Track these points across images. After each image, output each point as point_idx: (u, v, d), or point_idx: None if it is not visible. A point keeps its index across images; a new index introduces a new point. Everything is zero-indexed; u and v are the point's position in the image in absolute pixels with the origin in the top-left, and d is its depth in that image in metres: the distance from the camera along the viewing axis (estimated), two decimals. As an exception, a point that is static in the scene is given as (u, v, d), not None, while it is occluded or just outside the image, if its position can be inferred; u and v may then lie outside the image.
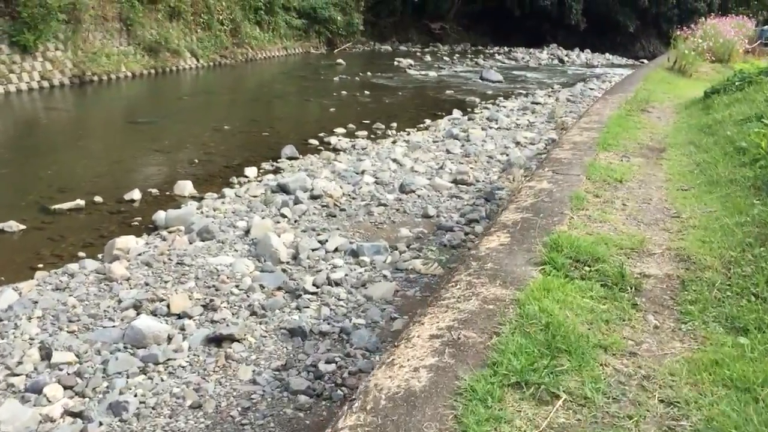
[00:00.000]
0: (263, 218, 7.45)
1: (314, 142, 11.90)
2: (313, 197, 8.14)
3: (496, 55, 33.06)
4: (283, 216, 7.53)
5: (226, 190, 8.63)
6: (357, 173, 9.52)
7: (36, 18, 14.70)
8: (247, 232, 6.91)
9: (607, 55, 37.59)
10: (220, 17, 22.04)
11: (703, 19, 22.70)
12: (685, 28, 20.57)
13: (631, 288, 3.70)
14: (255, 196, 8.48)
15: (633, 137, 8.06)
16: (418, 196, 8.39)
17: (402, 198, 8.28)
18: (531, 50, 35.57)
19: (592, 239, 4.41)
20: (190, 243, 6.66)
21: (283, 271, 5.95)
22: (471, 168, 9.96)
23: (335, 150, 11.39)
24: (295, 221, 7.44)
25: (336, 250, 6.43)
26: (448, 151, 11.00)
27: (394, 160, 10.16)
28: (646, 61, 36.82)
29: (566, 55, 34.88)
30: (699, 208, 5.32)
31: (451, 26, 37.53)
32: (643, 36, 43.59)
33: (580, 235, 4.49)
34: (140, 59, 18.40)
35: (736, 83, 9.66)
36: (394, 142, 12.03)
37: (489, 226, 5.11)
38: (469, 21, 38.94)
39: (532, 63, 30.95)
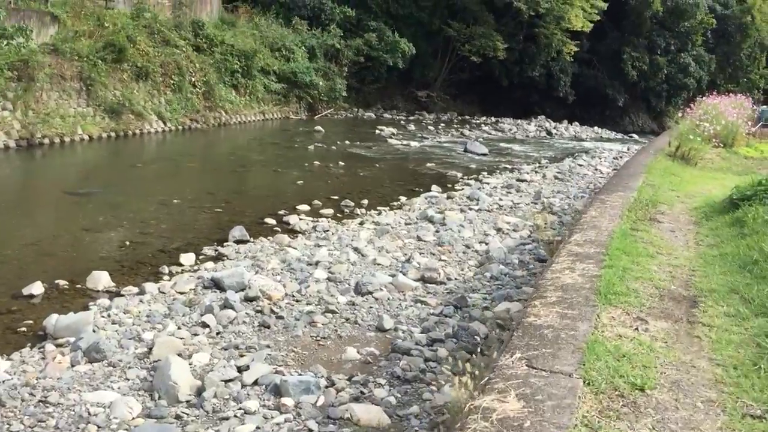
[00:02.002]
0: (179, 328, 6.03)
1: (271, 221, 10.54)
2: (248, 299, 6.72)
3: (483, 125, 32.23)
4: (205, 325, 6.09)
5: (149, 285, 7.18)
6: (310, 264, 8.14)
7: (-21, 75, 13.49)
8: (151, 349, 5.46)
9: (595, 128, 36.89)
10: (193, 79, 21.00)
11: (700, 97, 21.89)
12: (686, 108, 19.60)
13: None
14: (182, 293, 7.06)
15: (646, 274, 5.47)
16: (376, 299, 6.97)
17: (356, 302, 6.86)
18: (519, 121, 34.83)
19: None
20: (72, 366, 5.20)
21: (177, 417, 4.48)
22: (443, 261, 8.60)
23: (293, 232, 10.03)
24: (218, 333, 6.00)
25: (255, 383, 4.97)
26: (419, 238, 9.64)
27: (356, 250, 8.79)
28: (635, 135, 36.21)
29: (554, 128, 34.12)
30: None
31: (438, 94, 36.79)
32: (632, 110, 43.21)
33: None
34: (99, 121, 17.15)
35: None
36: (361, 224, 10.70)
37: None
38: (457, 90, 38.28)
39: (519, 135, 30.09)
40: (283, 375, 5.06)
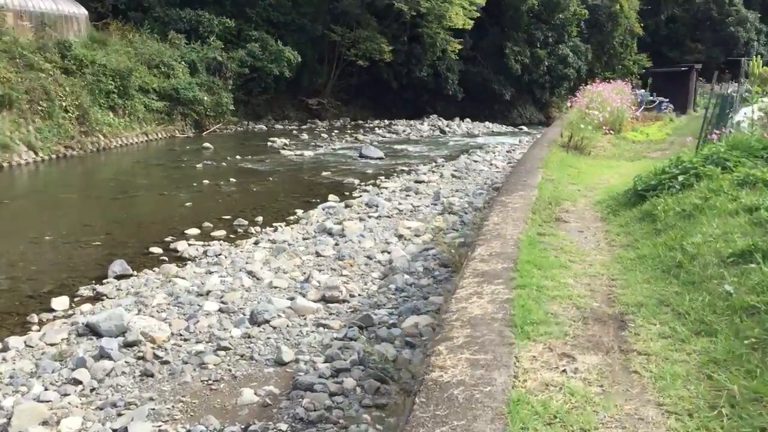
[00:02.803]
0: (46, 389, 5.23)
1: (157, 250, 9.71)
2: (128, 345, 5.97)
3: (377, 128, 32.00)
4: (77, 382, 5.31)
5: (13, 339, 6.30)
6: (200, 295, 7.45)
7: None
8: (10, 420, 4.66)
9: (486, 123, 37.49)
10: (64, 104, 19.52)
11: (582, 85, 22.44)
12: (572, 97, 19.96)
13: None
14: (52, 345, 6.22)
15: (564, 290, 4.78)
16: (273, 328, 6.39)
17: (252, 334, 6.25)
18: (412, 122, 34.85)
19: None
20: None
21: (38, 506, 3.75)
22: (345, 276, 8.11)
23: (181, 260, 9.26)
24: (93, 390, 5.25)
25: (135, 448, 4.29)
26: (317, 254, 9.11)
27: (250, 273, 8.15)
28: (524, 127, 37.08)
29: (447, 126, 34.38)
30: None
31: (329, 101, 36.30)
32: (518, 103, 44.26)
33: None
34: (-42, 157, 15.57)
35: (678, 177, 7.08)
36: (256, 243, 10.06)
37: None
38: (347, 95, 37.94)
39: (413, 135, 30.07)
40: (169, 434, 4.41)
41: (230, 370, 5.51)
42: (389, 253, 9.10)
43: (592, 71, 44.42)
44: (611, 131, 16.76)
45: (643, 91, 26.54)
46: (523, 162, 12.87)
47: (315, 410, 4.68)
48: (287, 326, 6.42)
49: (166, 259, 9.29)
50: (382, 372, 5.16)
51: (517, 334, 3.93)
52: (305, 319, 6.67)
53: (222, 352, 5.82)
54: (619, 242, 6.34)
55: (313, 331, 6.34)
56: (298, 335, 6.24)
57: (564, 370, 3.48)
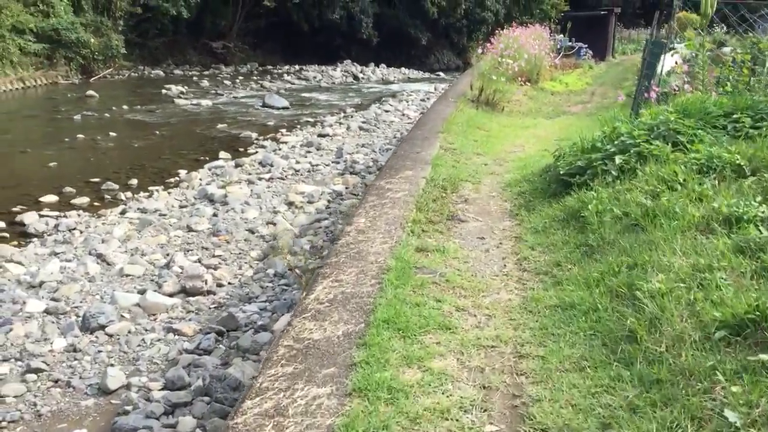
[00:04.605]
0: None
1: (-1, 224, 8.06)
2: None
3: (286, 74, 30.06)
4: None
5: None
6: (33, 287, 5.98)
7: None
8: None
9: (402, 69, 36.10)
10: None
11: (499, 30, 21.22)
12: (486, 43, 18.58)
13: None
14: None
15: (436, 395, 2.77)
16: (109, 336, 5.03)
17: (79, 346, 4.87)
18: (324, 68, 33.01)
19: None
20: None
21: None
22: (217, 258, 6.77)
23: (26, 236, 7.67)
24: None
25: None
26: (189, 228, 7.70)
27: (99, 257, 6.69)
28: (441, 73, 35.88)
29: (361, 72, 32.81)
30: None
31: (236, 44, 33.90)
32: (436, 48, 42.90)
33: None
34: None
35: (615, 158, 5.15)
36: (122, 213, 8.53)
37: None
38: (256, 38, 35.59)
39: (324, 82, 28.38)
40: None
41: (35, 405, 4.16)
42: (275, 225, 7.80)
43: (510, 15, 43.35)
44: (528, 82, 15.56)
45: (561, 36, 25.65)
46: (422, 123, 10.86)
47: (130, 474, 3.43)
48: (128, 333, 5.08)
49: (7, 235, 7.69)
50: (233, 405, 3.94)
51: None
52: (155, 320, 5.34)
53: (32, 377, 4.44)
54: (534, 264, 4.42)
55: (159, 340, 5.02)
56: (139, 346, 4.91)
57: None
